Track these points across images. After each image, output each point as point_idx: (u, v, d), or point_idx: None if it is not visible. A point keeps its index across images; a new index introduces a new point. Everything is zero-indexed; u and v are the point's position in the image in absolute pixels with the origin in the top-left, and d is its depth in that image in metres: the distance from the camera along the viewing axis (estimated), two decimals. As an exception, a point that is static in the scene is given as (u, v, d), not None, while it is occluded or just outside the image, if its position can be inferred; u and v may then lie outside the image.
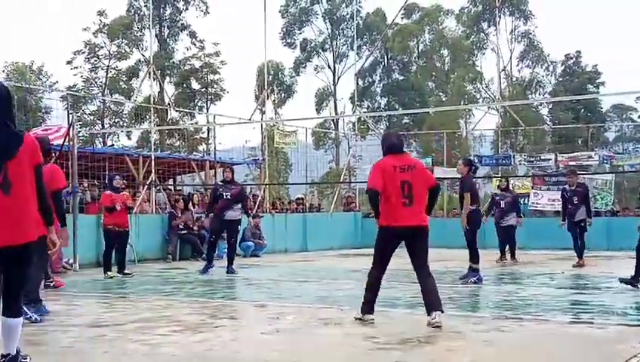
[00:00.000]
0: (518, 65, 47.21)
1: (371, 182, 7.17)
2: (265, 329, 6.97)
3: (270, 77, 41.68)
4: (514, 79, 47.05)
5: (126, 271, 13.33)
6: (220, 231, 14.04)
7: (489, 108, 36.37)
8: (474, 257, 11.40)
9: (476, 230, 11.62)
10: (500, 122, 36.98)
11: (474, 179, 11.97)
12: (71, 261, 14.42)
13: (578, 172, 16.63)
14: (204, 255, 17.57)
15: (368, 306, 7.35)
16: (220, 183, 13.97)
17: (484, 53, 47.82)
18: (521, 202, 19.31)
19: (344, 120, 44.33)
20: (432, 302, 7.07)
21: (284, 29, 50.32)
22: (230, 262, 13.58)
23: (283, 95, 50.37)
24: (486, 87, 47.20)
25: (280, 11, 49.83)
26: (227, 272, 13.32)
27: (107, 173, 18.59)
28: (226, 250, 15.07)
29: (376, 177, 7.14)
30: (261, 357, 5.76)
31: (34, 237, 4.85)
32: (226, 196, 13.38)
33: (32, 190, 4.86)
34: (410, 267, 7.37)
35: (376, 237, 7.35)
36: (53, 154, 17.21)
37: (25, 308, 7.59)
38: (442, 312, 7.02)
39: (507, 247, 16.13)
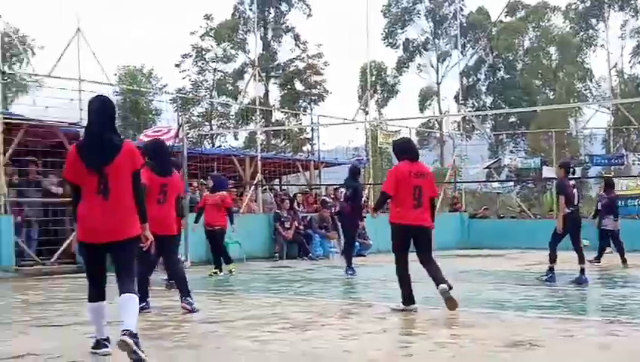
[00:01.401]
0: (630, 61, 45.50)
1: (385, 186, 8.32)
2: (372, 329, 6.97)
3: (373, 77, 41.63)
4: (626, 76, 45.35)
5: (213, 271, 13.41)
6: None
7: (600, 105, 35.18)
8: (552, 257, 11.44)
9: (576, 233, 11.41)
10: (611, 120, 35.75)
11: (571, 181, 11.77)
12: (183, 258, 14.84)
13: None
14: (310, 254, 17.83)
15: (409, 299, 8.11)
16: (357, 183, 13.66)
17: (593, 50, 46.33)
18: (622, 204, 18.57)
19: (448, 119, 43.84)
20: (438, 277, 8.00)
21: (387, 29, 50.20)
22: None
23: (386, 95, 50.26)
24: (597, 84, 45.68)
25: (382, 11, 49.80)
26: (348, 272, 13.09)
27: (215, 173, 19.10)
28: (334, 249, 15.16)
29: (390, 183, 8.20)
30: (368, 356, 5.76)
31: (132, 234, 5.56)
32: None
33: (130, 193, 5.54)
34: (519, 269, 7.27)
35: (391, 235, 8.26)
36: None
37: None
38: (451, 287, 7.94)
39: (609, 250, 15.66)
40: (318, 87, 46.98)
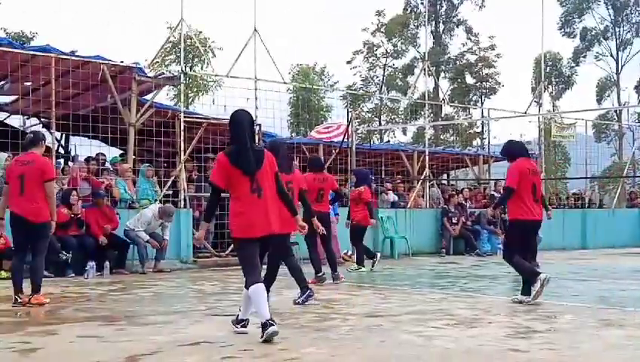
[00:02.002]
0: None
1: (510, 182, 8.51)
2: (540, 327, 6.82)
3: (547, 68, 40.31)
4: None
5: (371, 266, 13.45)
6: None
7: None
8: None
9: None
10: None
11: None
12: (349, 253, 15.10)
13: None
14: (477, 250, 17.59)
15: (535, 274, 8.35)
16: None
17: None
18: None
19: (628, 110, 41.71)
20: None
21: (563, 19, 48.46)
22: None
23: (561, 86, 48.55)
24: None
25: (558, 0, 48.12)
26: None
27: (383, 168, 19.26)
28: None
29: (514, 178, 8.47)
30: (536, 355, 5.64)
31: (278, 230, 6.28)
32: None
33: (274, 191, 6.32)
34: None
35: (513, 230, 8.74)
36: (333, 151, 18.18)
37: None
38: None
39: None
40: (490, 80, 46.15)
